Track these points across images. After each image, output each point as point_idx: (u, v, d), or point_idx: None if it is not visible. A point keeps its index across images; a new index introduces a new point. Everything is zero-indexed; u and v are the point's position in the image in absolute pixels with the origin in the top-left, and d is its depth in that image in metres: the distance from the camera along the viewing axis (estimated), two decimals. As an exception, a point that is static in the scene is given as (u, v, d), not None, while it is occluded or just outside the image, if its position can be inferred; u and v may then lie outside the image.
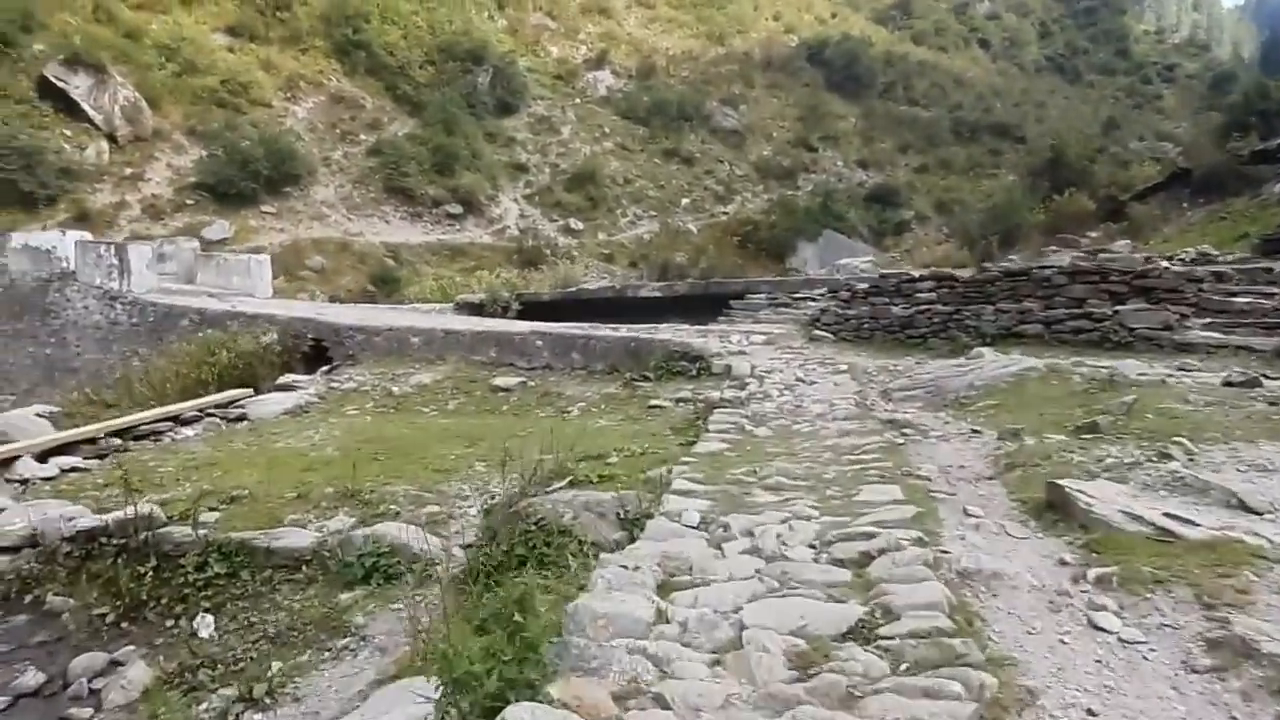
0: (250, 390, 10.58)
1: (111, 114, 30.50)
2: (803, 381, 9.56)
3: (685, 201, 44.10)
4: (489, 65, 42.00)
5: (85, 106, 30.10)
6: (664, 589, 3.70)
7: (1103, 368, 8.22)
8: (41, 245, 15.92)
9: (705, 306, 15.70)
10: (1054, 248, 28.92)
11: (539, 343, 11.54)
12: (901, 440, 6.60)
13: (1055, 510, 4.35)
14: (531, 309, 16.97)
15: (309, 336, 13.31)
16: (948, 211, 48.40)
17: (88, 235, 16.94)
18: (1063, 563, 3.79)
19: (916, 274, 12.90)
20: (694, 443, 7.00)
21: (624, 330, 13.61)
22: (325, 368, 12.07)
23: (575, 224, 39.40)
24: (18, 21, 29.80)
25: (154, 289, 15.38)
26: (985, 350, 10.10)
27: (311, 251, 30.33)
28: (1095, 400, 6.99)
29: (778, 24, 61.43)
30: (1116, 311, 10.32)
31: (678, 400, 9.62)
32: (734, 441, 6.73)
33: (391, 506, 6.28)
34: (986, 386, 8.23)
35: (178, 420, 9.03)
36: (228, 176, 30.40)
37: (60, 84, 29.73)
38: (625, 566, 3.86)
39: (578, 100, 46.63)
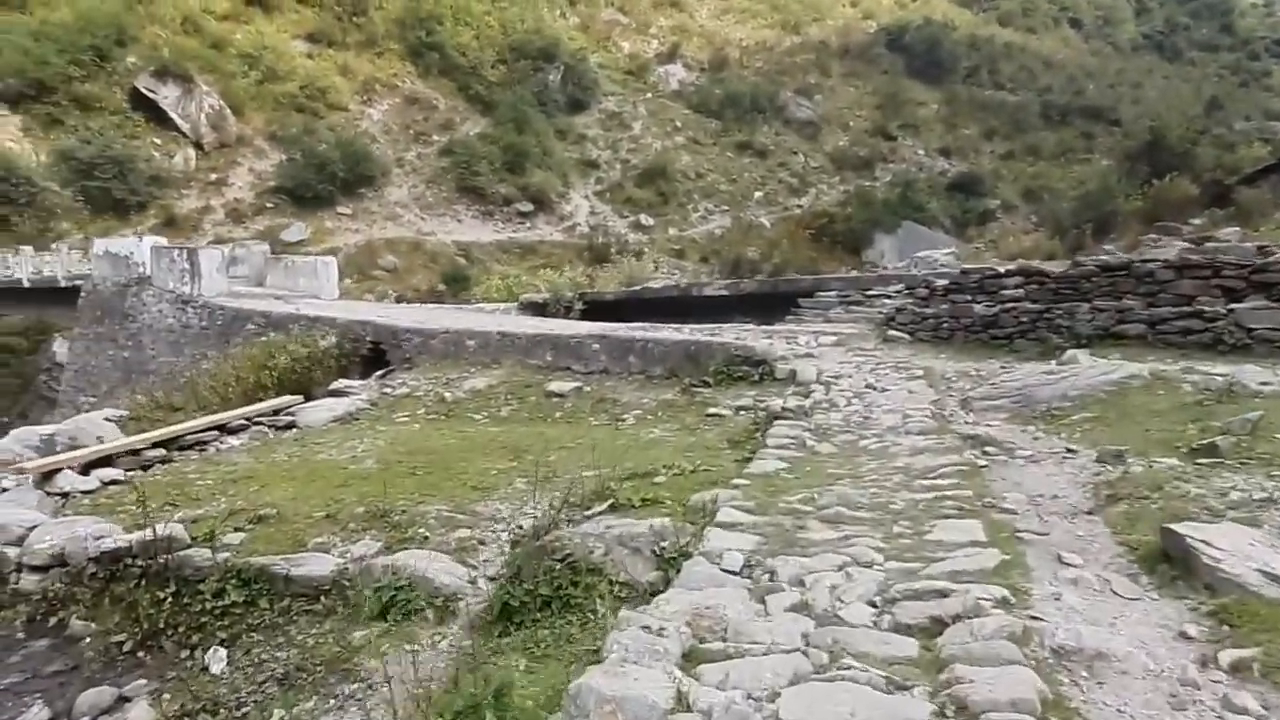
0: (300, 397, 10.36)
1: (198, 122, 31.33)
2: (873, 388, 8.80)
3: (758, 195, 43.13)
4: (560, 62, 41.82)
5: (173, 115, 31.00)
6: (691, 658, 3.11)
7: (1218, 375, 7.23)
8: (120, 251, 16.23)
9: (773, 305, 14.97)
10: (1154, 236, 27.06)
11: (595, 346, 11.03)
12: (984, 461, 5.84)
13: (1172, 563, 3.59)
14: (595, 309, 16.51)
15: (367, 339, 13.11)
16: (1036, 200, 46.22)
17: (163, 240, 17.23)
18: (1185, 637, 3.05)
19: (1002, 269, 11.91)
20: (750, 459, 6.37)
21: (686, 332, 13.01)
22: (380, 372, 11.81)
23: (646, 220, 38.89)
24: (112, 36, 30.86)
25: (224, 292, 15.48)
26: (1079, 354, 9.16)
27: (384, 251, 30.59)
28: (1211, 415, 6.08)
29: (855, 10, 59.66)
30: (1231, 310, 9.20)
31: (738, 408, 8.98)
32: (793, 460, 6.08)
33: (421, 530, 5.84)
34: (1082, 396, 7.34)
35: (224, 429, 8.82)
36: (305, 180, 30.92)
37: (150, 94, 30.67)
38: (648, 628, 3.28)
39: (649, 95, 46.09)
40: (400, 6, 39.45)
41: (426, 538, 5.72)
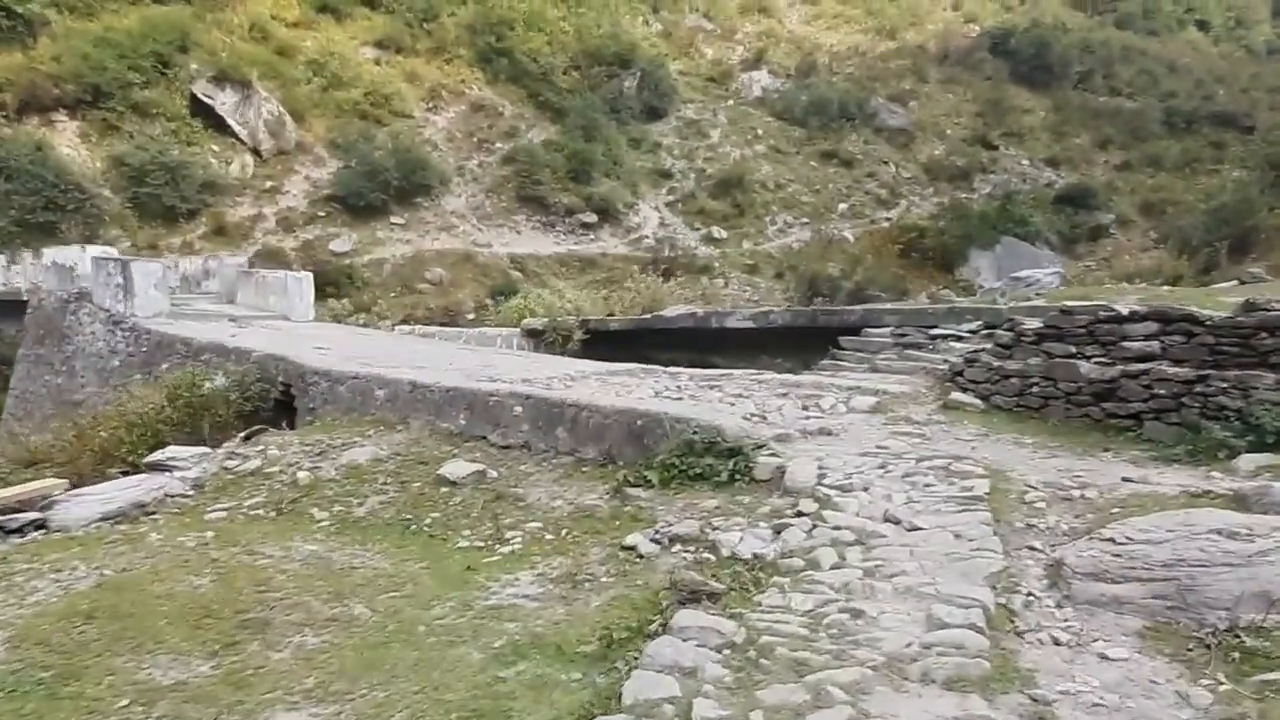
0: (64, 482, 7.19)
1: (256, 128, 29.46)
2: (896, 523, 4.92)
3: (842, 207, 38.59)
4: (636, 69, 38.44)
5: (231, 121, 29.22)
6: None
7: None
8: (66, 261, 13.75)
9: (808, 343, 11.08)
10: None
11: (518, 410, 7.48)
12: None
13: None
14: (599, 340, 12.96)
15: (280, 381, 9.96)
16: (1157, 214, 40.02)
17: (112, 250, 14.69)
18: None
19: (1124, 309, 7.71)
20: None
21: (684, 379, 9.35)
22: (247, 432, 8.57)
23: (718, 233, 35.06)
24: (176, 43, 29.31)
25: (162, 312, 12.77)
26: (1265, 459, 5.07)
27: (433, 263, 27.90)
28: None
29: (957, 14, 54.00)
30: None
31: (672, 540, 5.28)
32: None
33: None
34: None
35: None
36: (358, 188, 28.57)
37: (208, 100, 28.96)
38: None
39: (730, 102, 42.19)
40: (472, 12, 36.89)
41: None
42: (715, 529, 5.29)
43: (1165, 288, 17.93)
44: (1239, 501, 4.76)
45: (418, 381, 8.38)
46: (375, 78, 33.22)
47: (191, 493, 7.00)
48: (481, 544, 5.81)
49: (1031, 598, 4.01)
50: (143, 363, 11.66)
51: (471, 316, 22.92)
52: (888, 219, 39.03)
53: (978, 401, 8.12)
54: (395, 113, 32.88)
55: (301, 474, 7.22)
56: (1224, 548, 3.84)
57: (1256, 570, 3.64)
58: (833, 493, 5.49)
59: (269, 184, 29.25)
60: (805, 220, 37.33)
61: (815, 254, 35.51)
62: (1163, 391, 6.82)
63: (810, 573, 4.32)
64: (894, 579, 4.13)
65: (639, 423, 6.69)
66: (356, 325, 15.79)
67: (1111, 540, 4.23)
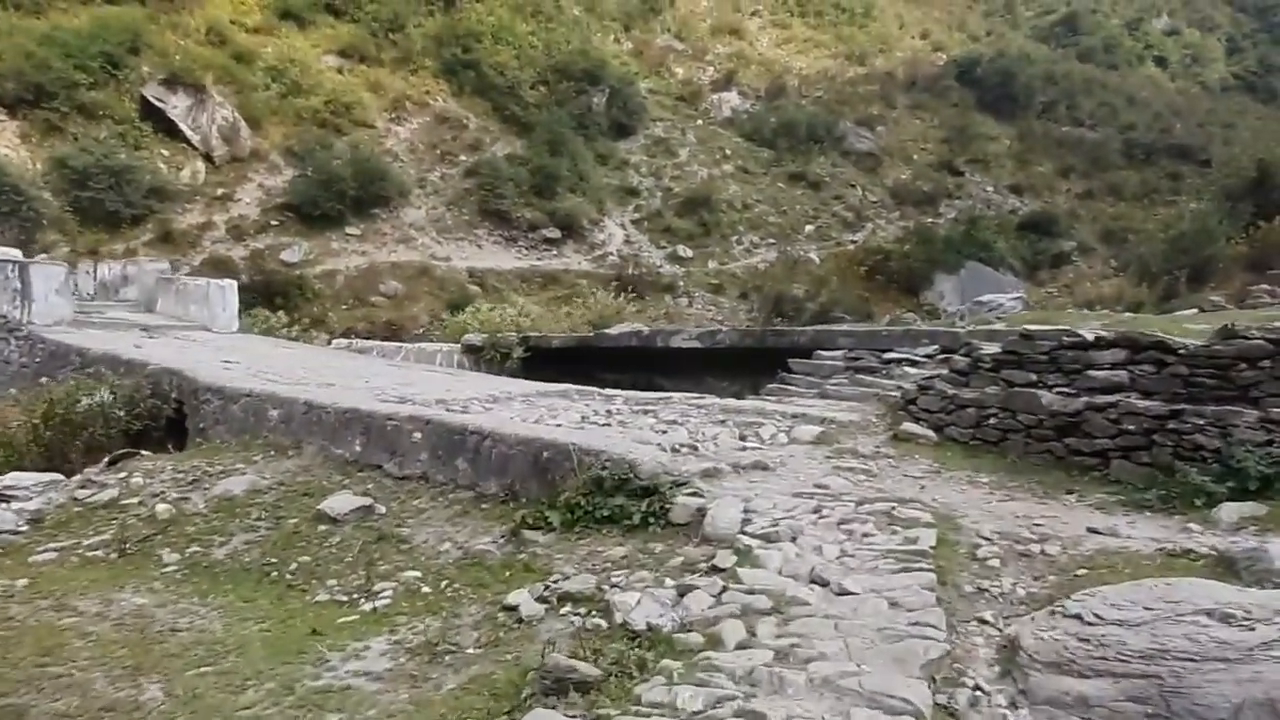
0: None
1: (209, 134, 28.26)
2: (824, 585, 4.06)
3: (809, 229, 38.13)
4: (605, 86, 37.78)
5: (182, 126, 28.00)
6: None
7: None
8: (-34, 265, 12.63)
9: (757, 365, 10.27)
10: (1266, 286, 21.68)
11: (416, 436, 6.55)
12: None
13: None
14: (540, 358, 12.05)
15: (173, 396, 8.92)
16: (1117, 242, 40.13)
17: (16, 253, 13.53)
18: None
19: (1090, 334, 6.96)
20: None
21: (621, 402, 8.48)
22: (120, 452, 7.54)
23: (684, 251, 34.37)
24: (126, 44, 28.07)
25: (64, 320, 11.68)
26: (1247, 508, 4.31)
27: (388, 276, 26.84)
28: None
29: (925, 43, 54.24)
30: None
31: (560, 601, 4.38)
32: None
33: None
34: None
35: None
36: (313, 197, 27.44)
37: (159, 104, 27.73)
38: None
39: (699, 122, 41.70)
40: (439, 23, 36.04)
41: None
42: (614, 586, 4.40)
43: (1128, 314, 17.47)
44: (1226, 565, 3.97)
45: (313, 401, 7.41)
46: (337, 86, 32.18)
47: (25, 528, 5.99)
48: (345, 598, 4.87)
49: (979, 693, 3.17)
50: (34, 375, 10.54)
51: (421, 331, 21.92)
52: (854, 241, 38.66)
53: (930, 433, 7.33)
54: (356, 122, 31.85)
55: (162, 507, 6.23)
56: (1216, 636, 3.02)
57: (1259, 669, 2.82)
58: (755, 543, 4.63)
59: (221, 191, 28.02)
60: (772, 241, 36.80)
61: (781, 274, 34.95)
62: (1132, 427, 6.06)
63: (710, 654, 3.45)
64: (810, 665, 3.26)
65: (545, 454, 5.79)
66: (287, 338, 14.74)
67: (1078, 618, 3.40)
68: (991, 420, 7.00)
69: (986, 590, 4.05)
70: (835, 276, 35.79)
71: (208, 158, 28.42)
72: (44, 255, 22.90)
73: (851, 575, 4.14)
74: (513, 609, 4.36)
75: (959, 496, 5.71)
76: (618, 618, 4.03)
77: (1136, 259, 35.63)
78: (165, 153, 27.94)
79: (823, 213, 39.62)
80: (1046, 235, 40.29)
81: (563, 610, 4.30)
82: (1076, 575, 4.14)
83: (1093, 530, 4.84)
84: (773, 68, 47.08)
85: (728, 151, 40.72)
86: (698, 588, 4.06)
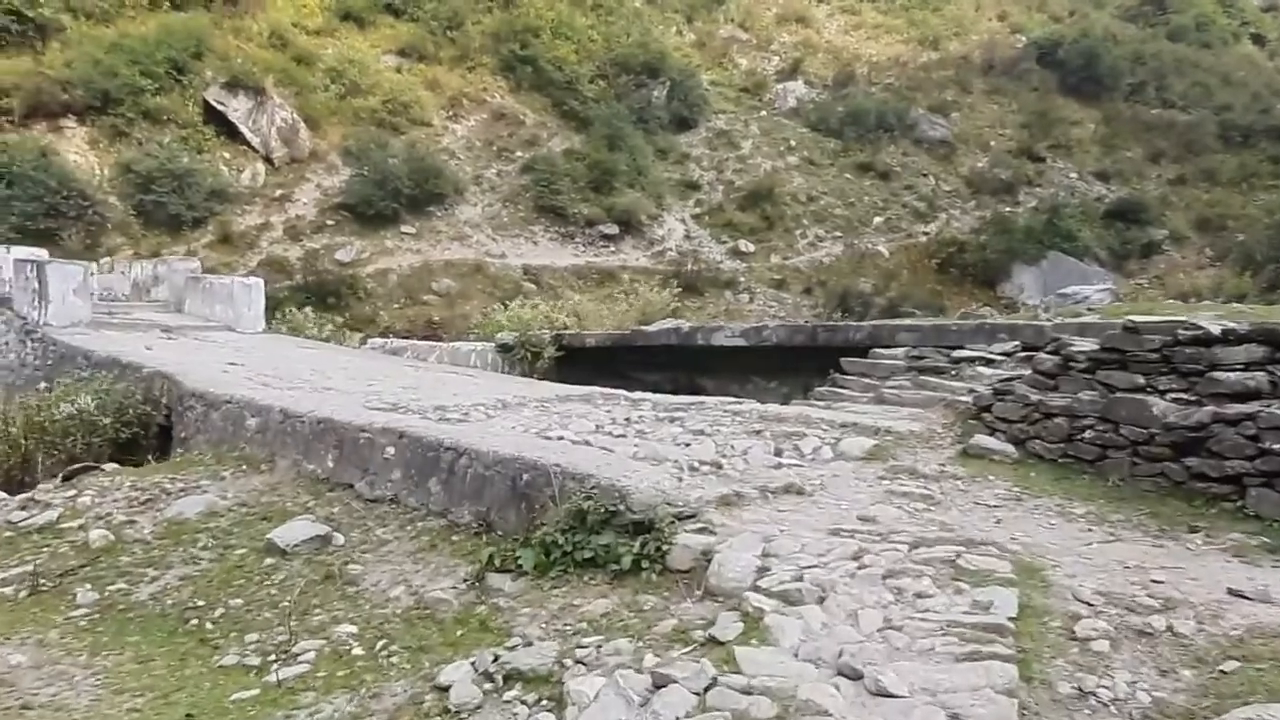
0: None
1: (268, 136, 28.32)
2: (855, 678, 2.85)
3: (878, 220, 36.27)
4: (665, 78, 36.69)
5: (243, 129, 28.14)
6: None
7: None
8: (-11, 265, 12.34)
9: (807, 364, 9.00)
10: None
11: (390, 452, 5.58)
12: None
13: None
14: (575, 357, 11.03)
15: (163, 402, 8.22)
16: (1214, 230, 37.10)
17: (42, 253, 13.21)
18: None
19: (1213, 327, 5.53)
20: None
21: (587, 430, 7.40)
22: (78, 467, 6.81)
23: (745, 246, 33.06)
24: (190, 49, 28.35)
25: (82, 321, 11.21)
26: None
27: (441, 274, 26.37)
28: None
29: (1003, 24, 51.33)
30: None
31: (508, 681, 3.28)
32: None
33: None
34: None
35: None
36: (368, 196, 27.20)
37: (220, 107, 27.90)
38: None
39: (763, 113, 40.18)
40: (497, 20, 35.51)
41: None
42: (580, 662, 3.31)
43: (1236, 305, 15.44)
44: None
45: (289, 410, 6.54)
46: (395, 85, 31.98)
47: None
48: (257, 661, 3.91)
49: None
50: (45, 378, 10.08)
51: (472, 330, 21.25)
52: (925, 233, 36.68)
53: (1009, 448, 6.00)
54: (414, 121, 31.58)
55: (98, 533, 5.42)
56: None
57: None
58: (770, 604, 3.46)
59: (279, 192, 28.03)
60: (838, 234, 35.16)
61: (847, 269, 33.34)
62: (1276, 446, 4.65)
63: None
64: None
65: (524, 478, 4.72)
66: (317, 338, 14.12)
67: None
68: (1087, 433, 5.63)
69: (1093, 694, 2.80)
70: (905, 270, 34.03)
71: (267, 159, 28.48)
72: (108, 258, 23.15)
73: (896, 663, 2.94)
74: (444, 690, 3.30)
75: (1047, 534, 4.41)
76: (568, 715, 2.93)
77: (1237, 247, 32.69)
78: (226, 155, 28.09)
79: (892, 204, 37.70)
80: (1135, 223, 37.55)
81: (507, 695, 3.22)
82: (1223, 672, 2.85)
83: (1236, 594, 3.51)
84: (841, 55, 45.17)
85: (792, 143, 39.12)
86: (675, 681, 2.92)
